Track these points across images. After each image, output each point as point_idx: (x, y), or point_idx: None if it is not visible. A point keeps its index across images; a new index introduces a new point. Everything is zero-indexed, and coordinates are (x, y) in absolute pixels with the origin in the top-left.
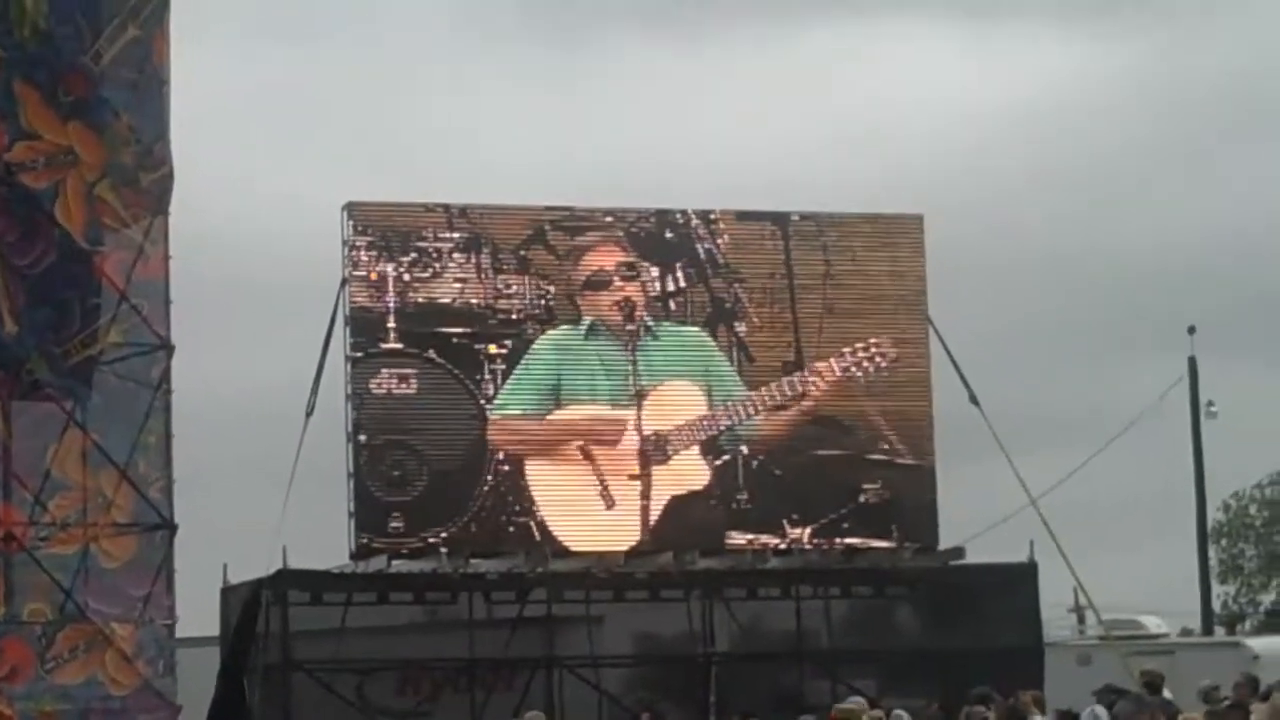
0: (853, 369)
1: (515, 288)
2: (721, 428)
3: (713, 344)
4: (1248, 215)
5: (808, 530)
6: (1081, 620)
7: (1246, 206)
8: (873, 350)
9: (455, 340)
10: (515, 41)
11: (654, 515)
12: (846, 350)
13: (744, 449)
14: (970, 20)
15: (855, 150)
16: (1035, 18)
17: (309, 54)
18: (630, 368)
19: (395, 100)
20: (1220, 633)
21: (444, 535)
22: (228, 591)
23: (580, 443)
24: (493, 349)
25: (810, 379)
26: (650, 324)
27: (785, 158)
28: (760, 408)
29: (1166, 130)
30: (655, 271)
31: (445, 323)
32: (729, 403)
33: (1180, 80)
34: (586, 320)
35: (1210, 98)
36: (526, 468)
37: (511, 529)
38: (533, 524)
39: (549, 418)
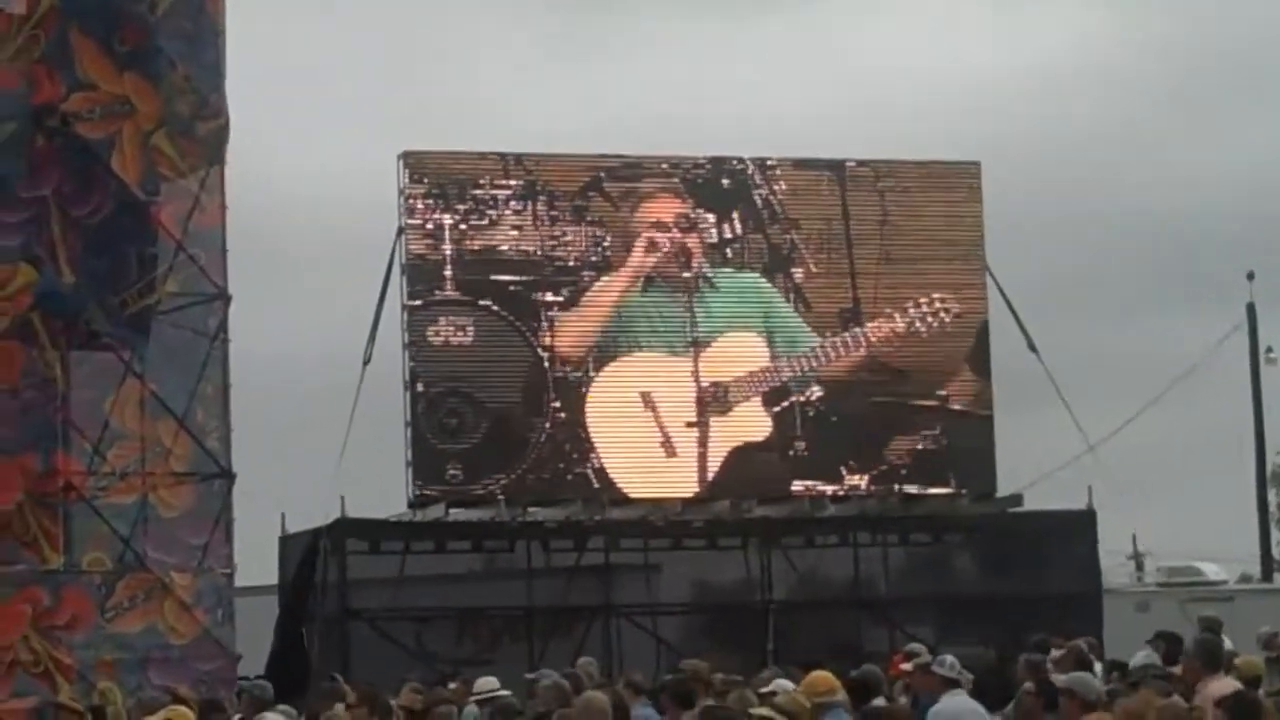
0: (916, 323)
1: (571, 236)
2: (783, 379)
3: (772, 289)
4: None
5: (865, 478)
6: (1140, 567)
7: None
8: (936, 305)
9: (512, 289)
10: (547, 8)
11: (713, 465)
12: (910, 305)
13: (801, 397)
14: None
15: (892, 109)
16: None
17: (353, 19)
18: (689, 318)
19: (440, 63)
20: (1279, 579)
21: (502, 483)
22: (286, 540)
23: (643, 390)
24: (549, 297)
25: (872, 334)
26: (709, 274)
27: (818, 118)
28: (823, 361)
29: (1203, 86)
30: (712, 219)
31: (502, 271)
32: (791, 357)
33: (1213, 40)
34: (644, 273)
35: (1244, 56)
36: (588, 419)
37: (569, 477)
38: (590, 472)
39: (607, 370)
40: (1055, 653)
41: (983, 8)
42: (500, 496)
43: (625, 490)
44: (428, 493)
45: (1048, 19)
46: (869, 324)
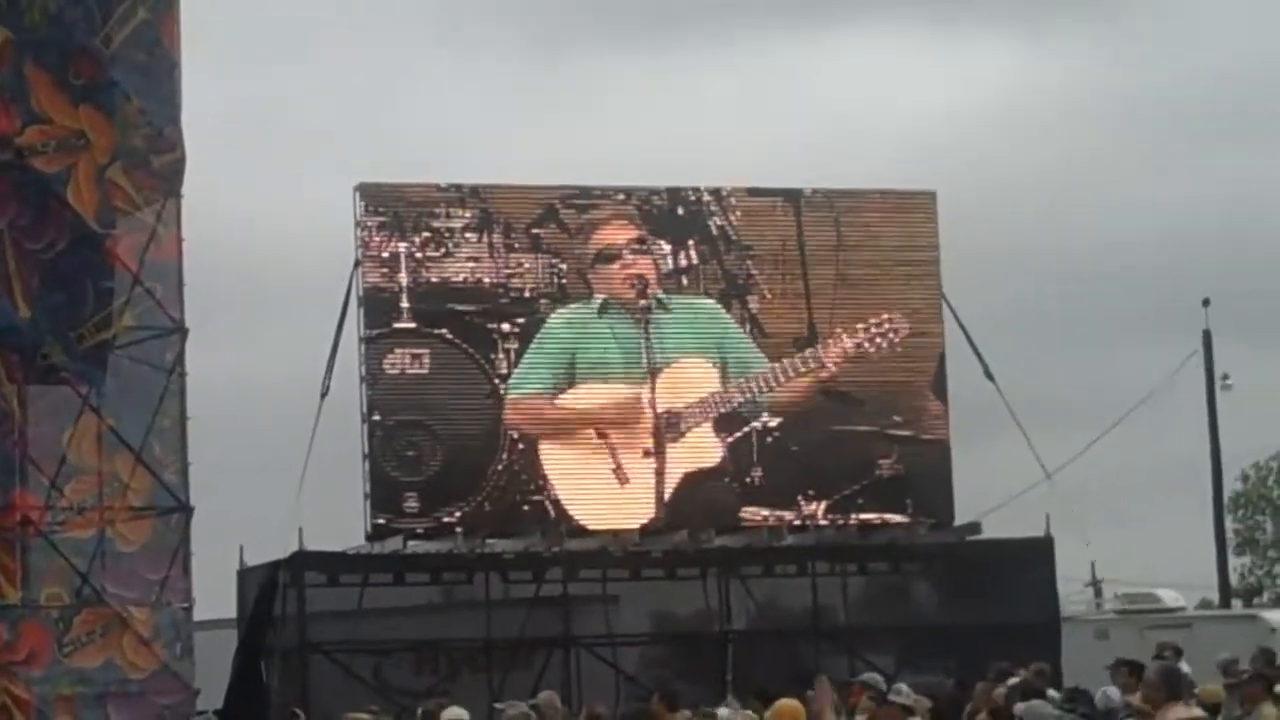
0: (865, 345)
1: (527, 265)
2: (735, 404)
3: (726, 315)
4: (1236, 201)
5: (822, 505)
6: (1098, 594)
7: (1234, 194)
8: (885, 326)
9: (468, 319)
10: (496, 53)
11: (668, 493)
12: (859, 326)
13: (758, 424)
14: (935, 26)
15: (846, 145)
16: (995, 25)
17: (310, 53)
18: (644, 344)
19: (397, 98)
20: (1237, 605)
21: (459, 514)
22: (244, 574)
23: (595, 418)
24: (505, 327)
25: (822, 355)
26: (662, 298)
27: (773, 155)
28: (772, 384)
29: (1155, 119)
30: (667, 248)
31: (458, 301)
32: (741, 380)
33: (1133, 85)
34: (599, 297)
35: (1198, 89)
36: (540, 446)
37: (526, 508)
38: (547, 502)
39: (563, 398)
40: (1010, 681)
41: (935, 43)
42: (458, 528)
43: (578, 519)
44: (386, 524)
45: (1000, 53)
46: (819, 346)
